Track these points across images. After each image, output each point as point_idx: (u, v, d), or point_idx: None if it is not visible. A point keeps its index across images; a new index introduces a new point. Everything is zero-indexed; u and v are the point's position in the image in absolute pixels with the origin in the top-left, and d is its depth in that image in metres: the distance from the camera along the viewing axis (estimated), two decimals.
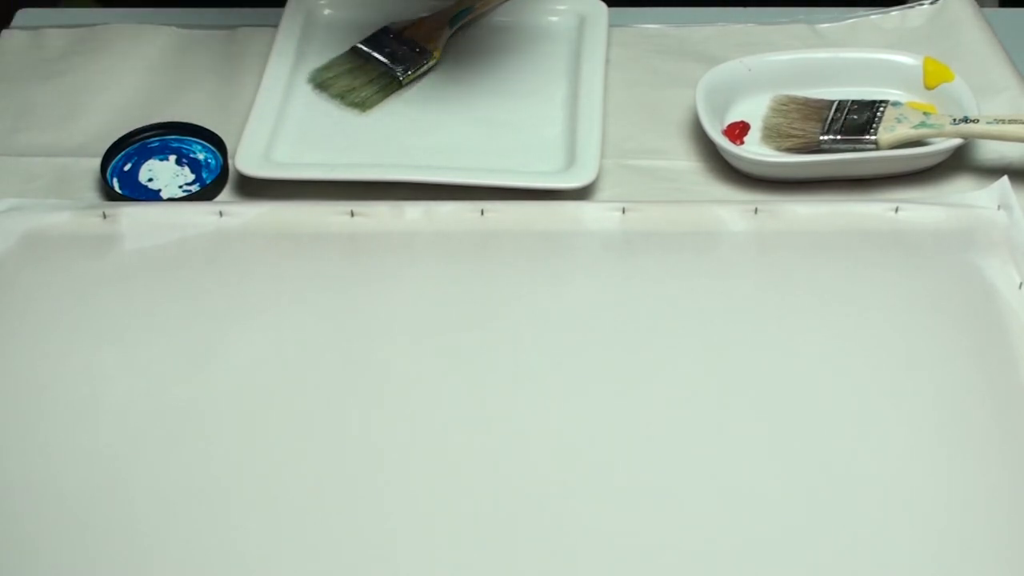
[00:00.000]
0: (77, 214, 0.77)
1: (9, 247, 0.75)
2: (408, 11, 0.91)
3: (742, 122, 0.83)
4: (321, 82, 0.87)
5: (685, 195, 0.80)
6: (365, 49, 0.88)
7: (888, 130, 0.78)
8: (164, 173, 0.82)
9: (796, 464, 0.64)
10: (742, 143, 0.82)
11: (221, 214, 0.77)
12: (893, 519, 0.62)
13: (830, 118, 0.80)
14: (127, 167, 0.82)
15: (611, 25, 0.90)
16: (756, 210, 0.76)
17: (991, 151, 0.81)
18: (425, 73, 0.88)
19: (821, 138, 0.79)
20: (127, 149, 0.83)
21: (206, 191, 0.80)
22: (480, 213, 0.76)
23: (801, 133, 0.80)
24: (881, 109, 0.80)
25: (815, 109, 0.81)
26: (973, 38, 0.89)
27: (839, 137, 0.79)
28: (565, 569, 0.60)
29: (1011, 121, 0.77)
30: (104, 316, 0.72)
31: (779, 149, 0.81)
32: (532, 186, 0.78)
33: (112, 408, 0.67)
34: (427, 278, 0.74)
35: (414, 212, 0.77)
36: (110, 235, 0.76)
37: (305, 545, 0.61)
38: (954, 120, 0.78)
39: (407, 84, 0.87)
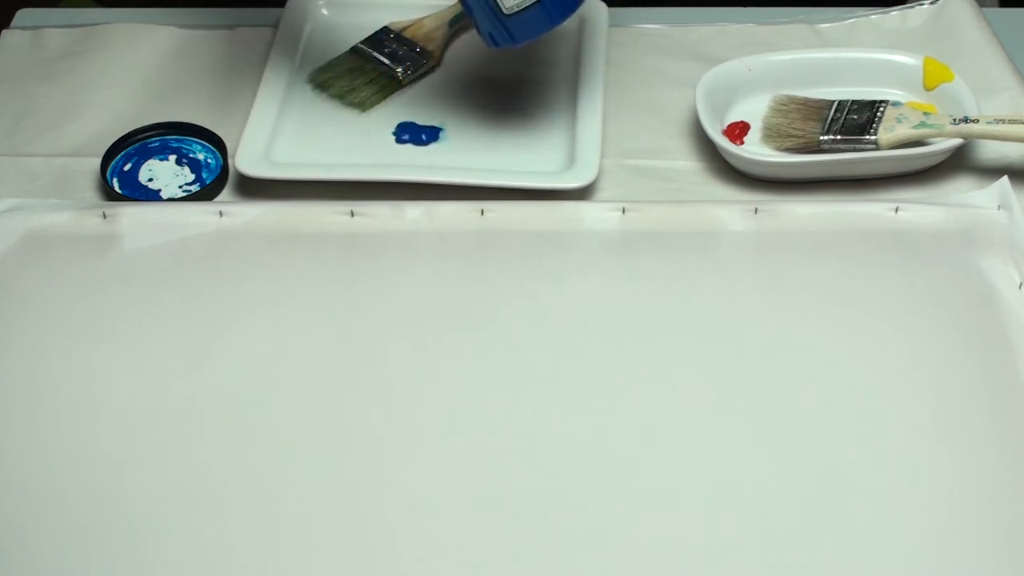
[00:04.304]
0: (77, 214, 0.77)
1: (9, 247, 0.75)
2: (408, 11, 0.91)
3: (742, 122, 0.83)
4: (321, 82, 0.87)
5: (685, 195, 0.80)
6: (365, 49, 0.88)
7: (888, 130, 0.78)
8: (164, 173, 0.82)
9: (795, 463, 0.64)
10: (742, 143, 0.82)
11: (221, 214, 0.77)
12: (893, 518, 0.62)
13: (830, 118, 0.80)
14: (127, 167, 0.82)
15: (611, 25, 0.90)
16: (756, 210, 0.76)
17: (991, 151, 0.81)
18: (425, 73, 0.88)
19: (821, 138, 0.79)
20: (127, 149, 0.83)
21: (206, 191, 0.80)
22: (480, 213, 0.76)
23: (801, 133, 0.80)
24: (881, 109, 0.80)
25: (815, 109, 0.81)
26: (973, 38, 0.89)
27: (839, 137, 0.79)
28: (564, 567, 0.60)
29: (1011, 121, 0.77)
30: (104, 316, 0.72)
31: (779, 149, 0.81)
32: (532, 186, 0.78)
33: (112, 408, 0.67)
34: (427, 278, 0.74)
35: (414, 212, 0.77)
36: (110, 235, 0.76)
37: (305, 544, 0.61)
38: (954, 120, 0.78)
39: (407, 84, 0.87)
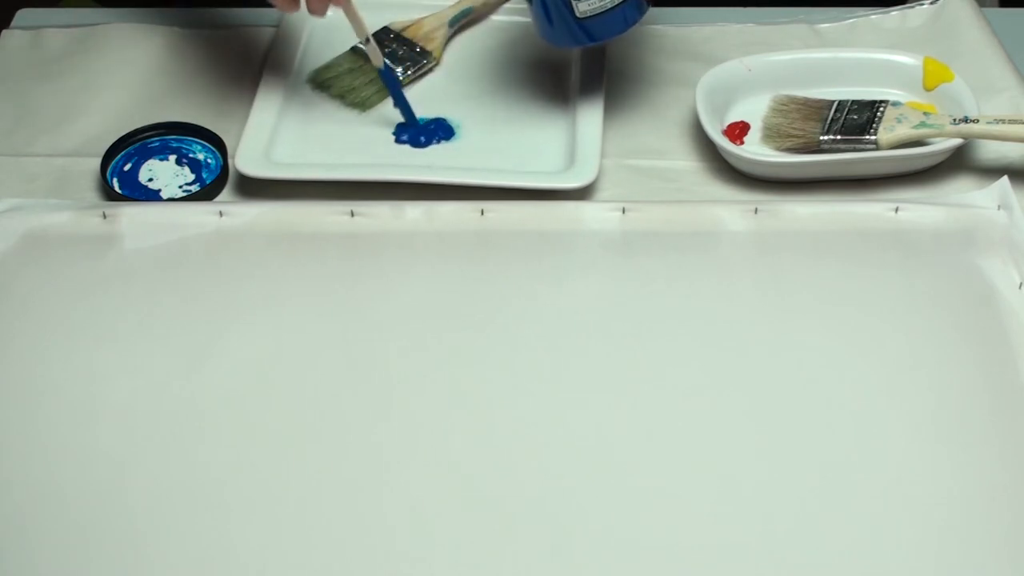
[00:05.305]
0: (77, 214, 0.77)
1: (9, 247, 0.75)
2: (408, 11, 0.91)
3: (742, 122, 0.83)
4: (321, 82, 0.87)
5: (685, 195, 0.80)
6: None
7: (888, 130, 0.78)
8: (164, 173, 0.82)
9: (795, 463, 0.64)
10: (742, 143, 0.82)
11: (221, 214, 0.77)
12: (893, 518, 0.62)
13: (830, 118, 0.80)
14: (127, 167, 0.82)
15: None
16: (756, 210, 0.76)
17: (991, 151, 0.81)
18: (425, 73, 0.88)
19: (821, 138, 0.79)
20: (127, 149, 0.83)
21: (206, 191, 0.80)
22: (480, 213, 0.76)
23: (801, 133, 0.80)
24: (881, 109, 0.80)
25: (815, 109, 0.81)
26: (973, 38, 0.89)
27: (839, 137, 0.79)
28: (564, 567, 0.60)
29: (1011, 121, 0.77)
30: (104, 316, 0.72)
31: (779, 149, 0.81)
32: (532, 186, 0.78)
33: (112, 408, 0.67)
34: (427, 278, 0.74)
35: (414, 212, 0.77)
36: (110, 235, 0.76)
37: (305, 544, 0.61)
38: (954, 120, 0.78)
39: (407, 84, 0.87)
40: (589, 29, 0.77)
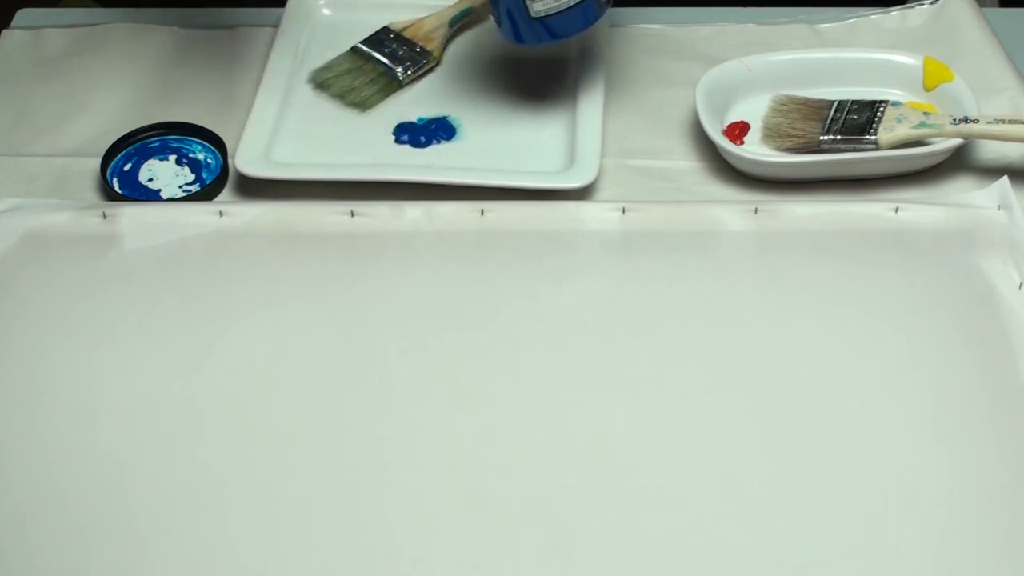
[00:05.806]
0: (77, 214, 0.77)
1: (9, 247, 0.75)
2: (408, 11, 0.91)
3: (742, 122, 0.83)
4: (321, 82, 0.87)
5: (685, 195, 0.80)
6: (365, 49, 0.88)
7: (888, 130, 0.78)
8: (164, 173, 0.82)
9: (795, 463, 0.64)
10: (742, 143, 0.82)
11: (221, 214, 0.77)
12: (893, 518, 0.62)
13: (830, 118, 0.80)
14: (127, 167, 0.82)
15: (611, 25, 0.90)
16: (756, 210, 0.76)
17: (991, 151, 0.81)
18: (425, 73, 0.88)
19: (821, 138, 0.79)
20: (127, 149, 0.83)
21: (206, 191, 0.80)
22: (480, 213, 0.76)
23: (801, 133, 0.80)
24: (881, 109, 0.80)
25: (815, 109, 0.81)
26: (973, 38, 0.89)
27: (839, 137, 0.79)
28: (564, 567, 0.60)
29: (1011, 121, 0.77)
30: (104, 316, 0.72)
31: (779, 149, 0.81)
32: (532, 186, 0.78)
33: (112, 408, 0.67)
34: (427, 278, 0.74)
35: (414, 212, 0.77)
36: (110, 235, 0.76)
37: (305, 544, 0.61)
38: (954, 120, 0.78)
39: (407, 84, 0.87)
40: (550, 27, 0.78)
